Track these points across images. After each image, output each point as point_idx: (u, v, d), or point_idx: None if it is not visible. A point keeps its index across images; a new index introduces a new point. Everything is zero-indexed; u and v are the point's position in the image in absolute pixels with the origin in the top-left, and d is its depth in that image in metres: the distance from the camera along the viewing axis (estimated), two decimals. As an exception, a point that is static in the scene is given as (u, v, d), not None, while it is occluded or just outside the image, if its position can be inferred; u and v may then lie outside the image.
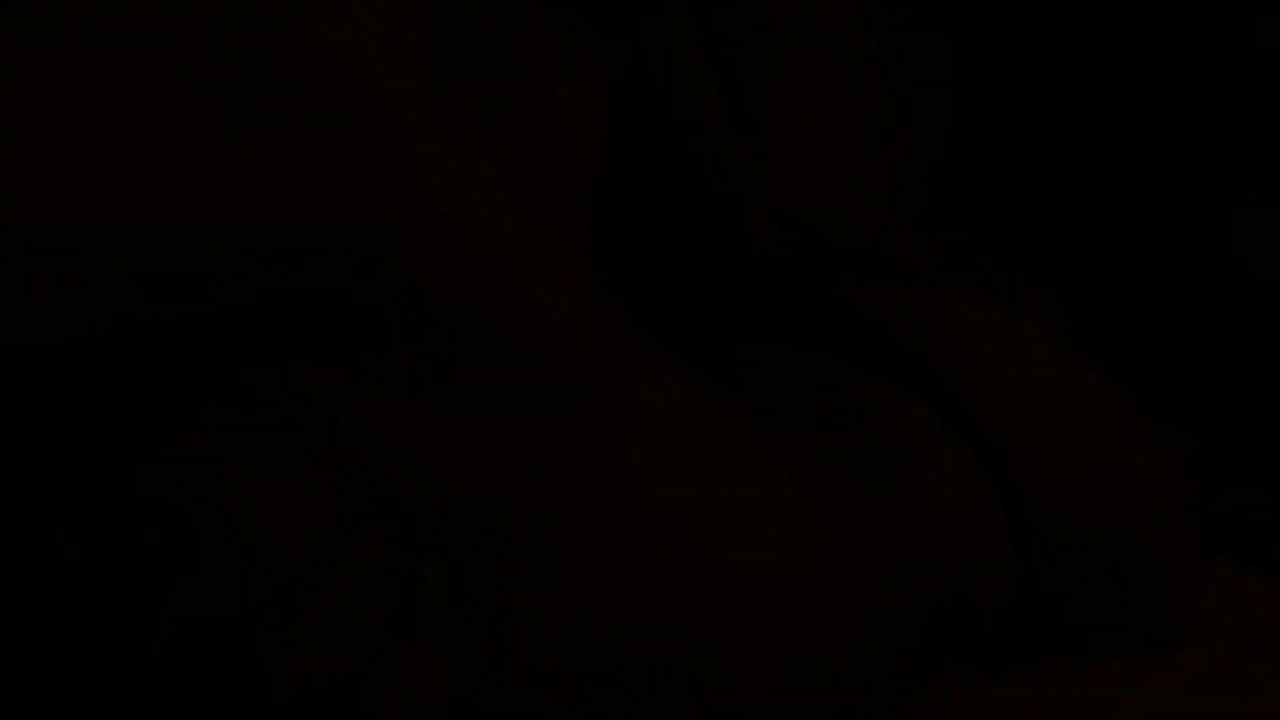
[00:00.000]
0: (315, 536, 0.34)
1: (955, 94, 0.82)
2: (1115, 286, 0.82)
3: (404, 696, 0.35)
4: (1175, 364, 0.81)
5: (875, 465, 0.53)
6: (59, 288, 0.28)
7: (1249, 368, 0.81)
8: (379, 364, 0.33)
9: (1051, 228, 0.82)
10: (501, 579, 0.38)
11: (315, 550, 0.34)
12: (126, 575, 0.33)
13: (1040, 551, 0.57)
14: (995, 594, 0.57)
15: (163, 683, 0.33)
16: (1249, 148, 0.78)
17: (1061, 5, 0.80)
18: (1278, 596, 0.73)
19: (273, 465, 0.33)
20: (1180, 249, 0.80)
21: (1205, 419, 0.81)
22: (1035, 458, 0.57)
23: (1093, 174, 0.81)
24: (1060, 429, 0.59)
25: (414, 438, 0.34)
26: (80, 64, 0.28)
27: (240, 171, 0.29)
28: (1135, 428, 0.64)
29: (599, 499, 0.39)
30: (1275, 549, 0.78)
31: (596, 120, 0.57)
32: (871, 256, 0.68)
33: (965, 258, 0.70)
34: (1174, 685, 0.62)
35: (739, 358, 0.62)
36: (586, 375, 0.39)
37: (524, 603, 0.38)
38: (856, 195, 0.84)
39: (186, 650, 0.33)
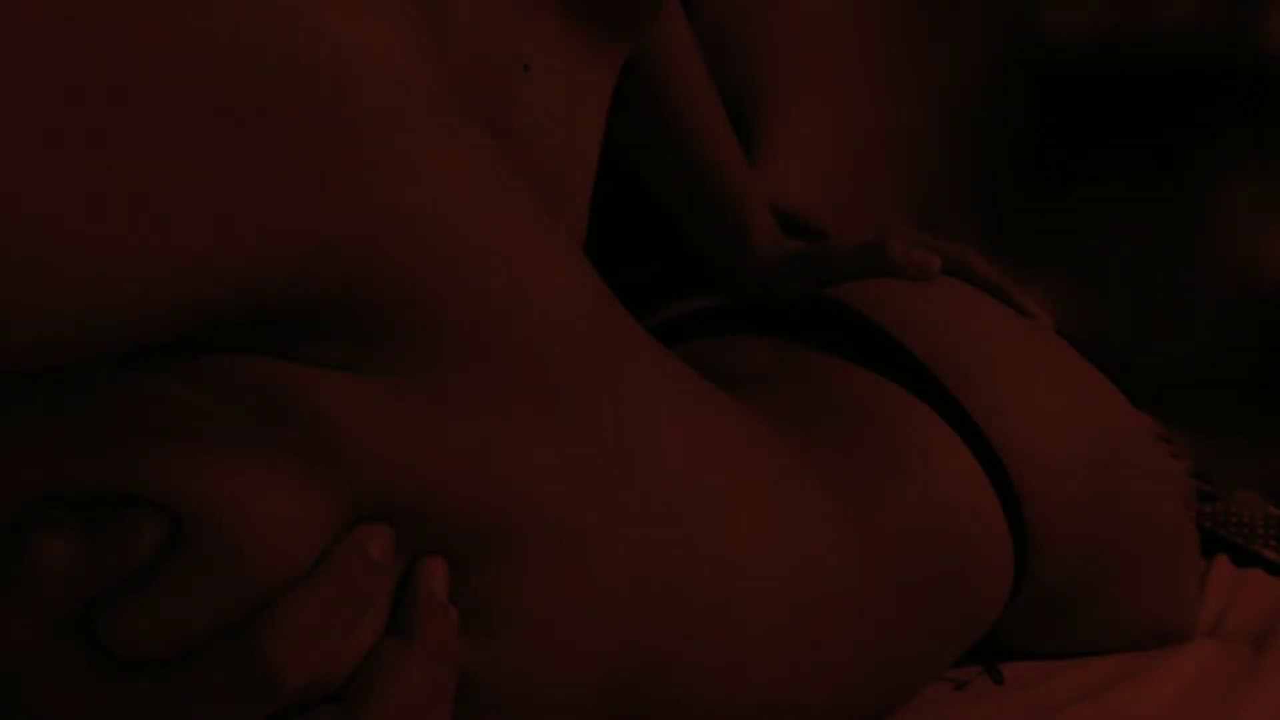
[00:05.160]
0: (315, 536, 0.34)
1: (954, 93, 0.82)
2: (1114, 286, 0.81)
3: (404, 696, 0.35)
4: (1175, 363, 0.81)
5: (876, 465, 0.53)
6: (56, 285, 0.28)
7: (1247, 367, 0.81)
8: (379, 363, 0.33)
9: (1051, 227, 0.82)
10: (501, 579, 0.38)
11: (315, 550, 0.34)
12: (125, 575, 0.32)
13: (1040, 551, 0.57)
14: (995, 593, 0.57)
15: (162, 683, 0.33)
16: (1249, 148, 0.78)
17: (1061, 4, 0.80)
18: (1278, 596, 0.73)
19: (272, 465, 0.33)
20: (1180, 248, 0.80)
21: (1205, 419, 0.81)
22: (1035, 458, 0.57)
23: (1092, 174, 0.81)
24: (1060, 428, 0.59)
25: (414, 437, 0.34)
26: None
27: (236, 162, 0.29)
28: (1135, 427, 0.64)
29: (599, 498, 0.39)
30: (1274, 549, 0.78)
31: (598, 119, 0.57)
32: (871, 256, 0.68)
33: (965, 258, 0.70)
34: (1174, 685, 0.62)
35: (740, 357, 0.62)
36: (587, 374, 0.39)
37: (524, 602, 0.38)
38: (856, 195, 0.84)
39: (185, 650, 0.33)
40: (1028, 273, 0.73)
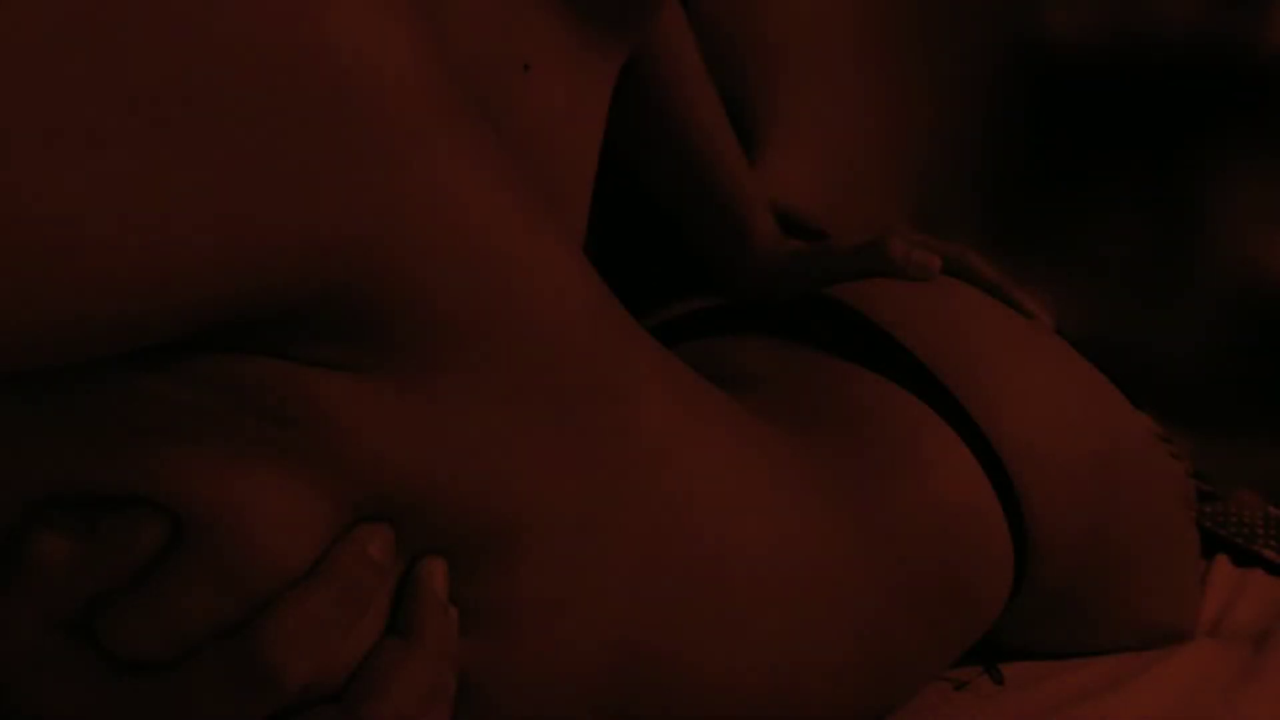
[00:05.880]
0: (315, 536, 0.34)
1: (954, 93, 0.82)
2: (1114, 286, 0.81)
3: (403, 697, 0.35)
4: (1175, 363, 0.81)
5: (876, 465, 0.53)
6: (56, 284, 0.28)
7: (1247, 367, 0.81)
8: (379, 362, 0.33)
9: (1051, 227, 0.82)
10: (501, 579, 0.38)
11: (315, 550, 0.34)
12: (125, 575, 0.33)
13: (1040, 551, 0.57)
14: (995, 593, 0.57)
15: (162, 684, 0.33)
16: (1249, 148, 0.78)
17: (1062, 4, 0.80)
18: (1278, 596, 0.73)
19: (273, 465, 0.33)
20: (1180, 248, 0.80)
21: (1205, 419, 0.81)
22: (1035, 458, 0.57)
23: (1092, 173, 0.81)
24: (1060, 428, 0.59)
25: (414, 436, 0.34)
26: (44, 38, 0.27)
27: (236, 162, 0.29)
28: (1135, 427, 0.64)
29: (599, 497, 0.39)
30: (1274, 548, 0.78)
31: (598, 119, 0.57)
32: (871, 256, 0.68)
33: (965, 258, 0.70)
34: (1174, 685, 0.62)
35: (740, 357, 0.62)
36: (587, 374, 0.39)
37: (524, 602, 0.38)
38: (856, 195, 0.84)
39: (185, 651, 0.33)
40: (1028, 273, 0.73)
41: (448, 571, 0.37)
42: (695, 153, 0.74)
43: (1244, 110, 0.79)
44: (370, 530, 0.35)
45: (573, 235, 0.55)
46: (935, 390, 0.57)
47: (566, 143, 0.55)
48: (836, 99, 0.84)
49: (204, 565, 0.32)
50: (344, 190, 0.31)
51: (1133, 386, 0.65)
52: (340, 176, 0.31)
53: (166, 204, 0.29)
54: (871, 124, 0.84)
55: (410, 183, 0.32)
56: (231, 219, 0.29)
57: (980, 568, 0.55)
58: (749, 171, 0.77)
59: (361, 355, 0.33)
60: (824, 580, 0.48)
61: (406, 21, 0.32)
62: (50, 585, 0.32)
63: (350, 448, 0.33)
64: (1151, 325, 0.82)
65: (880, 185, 0.84)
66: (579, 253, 0.40)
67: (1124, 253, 0.81)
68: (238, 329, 0.32)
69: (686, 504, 0.43)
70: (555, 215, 0.39)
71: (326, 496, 0.34)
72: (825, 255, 0.71)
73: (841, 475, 0.51)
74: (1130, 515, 0.62)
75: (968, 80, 0.82)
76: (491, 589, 0.38)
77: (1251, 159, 0.79)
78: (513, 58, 0.51)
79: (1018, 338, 0.64)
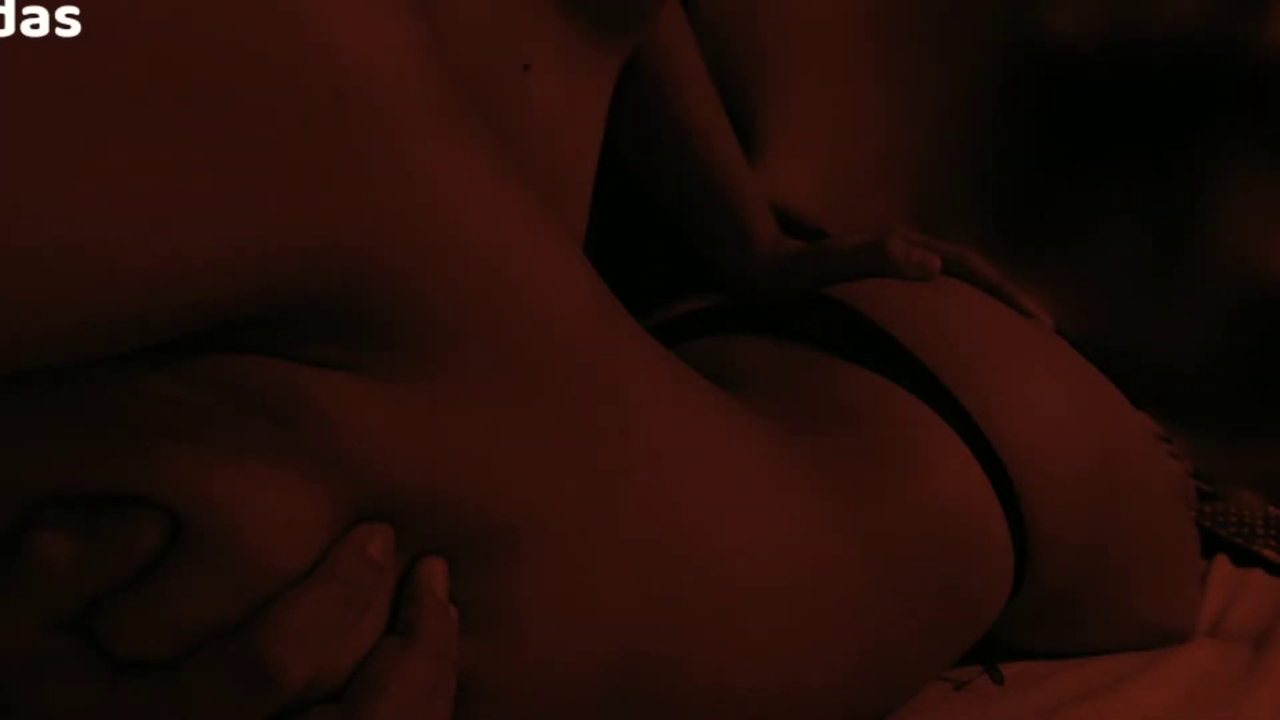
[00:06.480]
0: (315, 537, 0.34)
1: (955, 93, 0.82)
2: (1114, 287, 0.81)
3: (403, 697, 0.35)
4: (1175, 363, 0.81)
5: (876, 465, 0.53)
6: (56, 285, 0.28)
7: (1247, 367, 0.81)
8: (378, 363, 0.33)
9: (1051, 227, 0.82)
10: (501, 579, 0.38)
11: (315, 550, 0.34)
12: (126, 575, 0.33)
13: (1040, 551, 0.57)
14: (995, 593, 0.57)
15: (161, 684, 0.33)
16: (1250, 148, 0.78)
17: (1062, 4, 0.80)
18: (1278, 596, 0.73)
19: (273, 465, 0.33)
20: (1180, 249, 0.80)
21: (1205, 419, 0.81)
22: (1035, 458, 0.57)
23: (1092, 174, 0.81)
24: (1060, 429, 0.59)
25: (414, 437, 0.34)
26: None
27: (236, 163, 0.29)
28: (1135, 427, 0.64)
29: (599, 497, 0.39)
30: (1274, 548, 0.78)
31: (598, 119, 0.57)
32: (871, 256, 0.68)
33: (965, 258, 0.70)
34: (1174, 685, 0.62)
35: (740, 357, 0.62)
36: (586, 374, 0.39)
37: (524, 602, 0.38)
38: (856, 195, 0.84)
39: (185, 651, 0.33)
40: (1028, 273, 0.73)
41: (448, 571, 0.37)
42: (695, 153, 0.74)
43: (1244, 110, 0.79)
44: (370, 530, 0.35)
45: (573, 235, 0.55)
46: (935, 390, 0.57)
47: (566, 142, 0.55)
48: (836, 99, 0.84)
49: (204, 565, 0.32)
50: (344, 191, 0.31)
51: (1133, 386, 0.65)
52: (340, 178, 0.31)
53: (166, 205, 0.29)
54: (871, 124, 0.84)
55: (410, 184, 0.32)
56: (232, 220, 0.29)
57: (980, 568, 0.55)
58: (749, 172, 0.77)
59: (362, 355, 0.33)
60: (823, 580, 0.48)
61: (406, 22, 0.32)
62: (50, 585, 0.32)
63: (350, 448, 0.33)
64: (1152, 325, 0.82)
65: (880, 185, 0.84)
66: (579, 253, 0.40)
67: (1124, 253, 0.81)
68: (238, 329, 0.32)
69: (686, 504, 0.43)
70: (555, 215, 0.39)
71: (326, 496, 0.34)
72: (825, 255, 0.71)
73: (841, 475, 0.51)
74: (1130, 515, 0.62)
75: (968, 80, 0.82)
76: (491, 589, 0.38)
77: (1251, 159, 0.79)
78: (513, 58, 0.51)
79: (1018, 338, 0.64)
